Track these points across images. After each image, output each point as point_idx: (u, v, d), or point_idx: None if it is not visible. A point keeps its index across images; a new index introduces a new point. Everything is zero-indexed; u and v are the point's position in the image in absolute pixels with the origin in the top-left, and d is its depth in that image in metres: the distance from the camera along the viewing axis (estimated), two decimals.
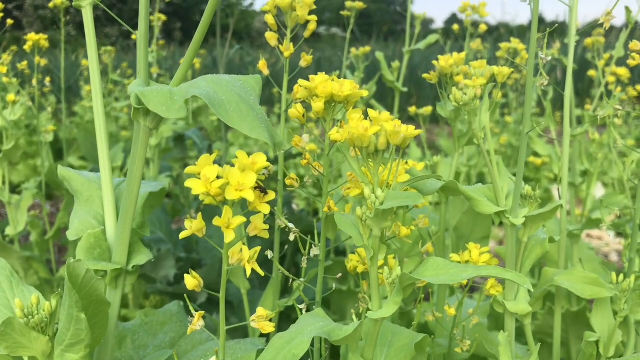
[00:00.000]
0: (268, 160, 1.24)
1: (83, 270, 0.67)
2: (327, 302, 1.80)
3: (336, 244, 1.86)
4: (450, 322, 0.91)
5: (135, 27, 0.84)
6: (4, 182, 2.03)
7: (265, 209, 0.58)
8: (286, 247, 1.02)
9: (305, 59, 0.94)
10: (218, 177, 0.57)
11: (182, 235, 0.59)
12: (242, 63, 8.26)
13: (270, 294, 1.04)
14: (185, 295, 0.70)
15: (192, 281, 0.61)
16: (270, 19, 0.91)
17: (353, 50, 1.95)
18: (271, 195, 0.59)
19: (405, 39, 1.85)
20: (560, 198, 0.97)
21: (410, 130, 0.62)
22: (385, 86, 1.76)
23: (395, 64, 1.78)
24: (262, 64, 0.94)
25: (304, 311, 0.82)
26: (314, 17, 0.91)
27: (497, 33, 10.46)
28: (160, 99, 0.66)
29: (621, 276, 0.88)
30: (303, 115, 0.77)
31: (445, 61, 0.96)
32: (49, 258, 2.39)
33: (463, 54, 0.98)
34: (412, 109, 1.80)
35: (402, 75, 1.78)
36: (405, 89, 1.77)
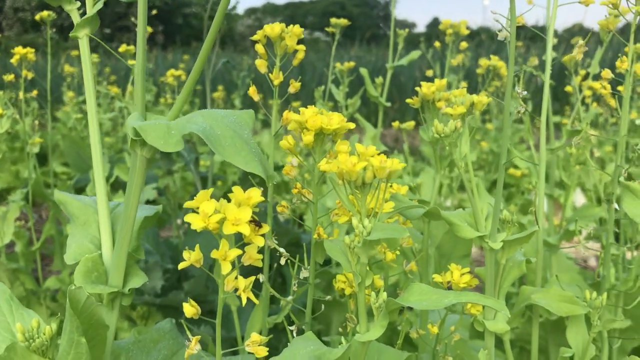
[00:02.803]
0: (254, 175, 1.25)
1: (84, 296, 0.70)
2: (312, 312, 1.84)
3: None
4: (433, 337, 0.95)
5: (117, 30, 0.87)
6: None
7: (260, 242, 0.62)
8: (275, 265, 1.05)
9: (294, 86, 0.98)
10: (216, 212, 0.60)
11: (181, 266, 0.62)
12: (226, 69, 8.27)
13: (259, 312, 1.08)
14: (176, 313, 0.73)
15: (190, 309, 0.64)
16: (260, 48, 0.95)
17: (338, 65, 1.99)
18: (265, 229, 0.62)
19: (389, 48, 1.89)
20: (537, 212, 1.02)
21: (395, 164, 0.66)
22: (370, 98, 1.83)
23: (379, 79, 1.82)
24: (252, 91, 0.98)
25: (294, 332, 0.85)
26: (302, 47, 0.95)
27: (479, 38, 10.60)
28: (158, 134, 0.69)
29: (594, 294, 0.93)
30: (294, 146, 0.81)
31: (427, 88, 1.00)
32: (34, 267, 2.40)
33: (444, 81, 1.02)
34: (396, 124, 1.84)
35: (385, 91, 1.83)
36: (388, 104, 1.82)
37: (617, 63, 0.94)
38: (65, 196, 0.91)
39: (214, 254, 0.60)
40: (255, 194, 0.61)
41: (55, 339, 0.76)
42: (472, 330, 1.45)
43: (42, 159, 4.09)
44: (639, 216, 0.76)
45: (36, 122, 2.12)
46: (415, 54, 1.81)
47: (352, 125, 0.77)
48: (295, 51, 0.96)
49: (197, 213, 0.61)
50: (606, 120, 3.35)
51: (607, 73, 0.96)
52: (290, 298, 0.99)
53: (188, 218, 0.60)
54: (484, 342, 1.30)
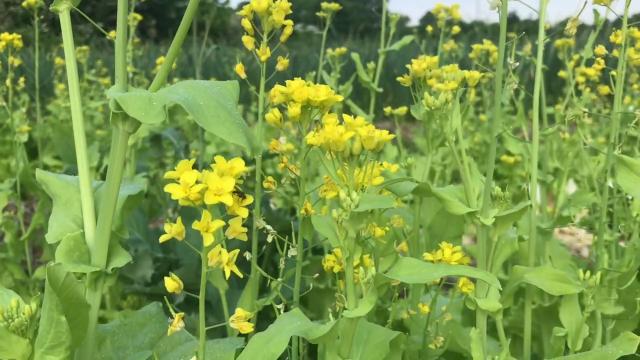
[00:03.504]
0: (245, 160, 1.23)
1: (63, 273, 0.68)
2: (305, 300, 1.82)
3: (314, 244, 1.88)
4: (424, 319, 0.93)
5: (109, 24, 0.85)
6: None
7: (244, 213, 0.60)
8: (264, 247, 1.04)
9: (282, 63, 0.96)
10: (197, 182, 0.58)
11: (162, 239, 0.60)
12: (219, 61, 8.23)
13: (248, 294, 1.06)
14: (165, 297, 0.71)
15: (172, 284, 0.62)
16: (246, 23, 0.93)
17: (329, 50, 1.97)
18: (249, 200, 0.60)
19: (381, 40, 1.87)
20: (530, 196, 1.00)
21: (383, 135, 0.64)
22: (361, 84, 1.80)
23: (371, 64, 1.80)
24: (239, 68, 0.96)
25: (281, 311, 0.84)
26: (289, 22, 0.93)
27: (472, 31, 10.57)
28: (139, 105, 0.67)
29: (588, 273, 0.91)
30: (280, 120, 0.79)
31: (418, 65, 0.98)
32: (24, 259, 2.37)
33: (436, 58, 1.00)
34: (388, 109, 1.82)
35: (377, 76, 1.81)
36: (380, 90, 1.80)
37: (612, 37, 0.93)
38: (47, 175, 0.89)
39: (195, 225, 0.58)
40: (238, 164, 0.59)
41: (35, 319, 0.74)
42: (465, 317, 1.44)
43: (33, 152, 4.05)
44: (632, 190, 0.75)
45: (23, 109, 2.08)
46: (407, 39, 1.79)
47: (340, 98, 0.75)
48: (283, 26, 0.94)
49: (178, 183, 0.58)
50: (599, 111, 3.34)
51: (600, 49, 0.95)
52: (280, 279, 0.97)
53: (168, 188, 0.57)
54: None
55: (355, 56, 1.76)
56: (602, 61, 0.93)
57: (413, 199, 1.30)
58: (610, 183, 0.96)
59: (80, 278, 0.81)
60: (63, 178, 0.89)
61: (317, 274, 0.88)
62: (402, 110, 1.78)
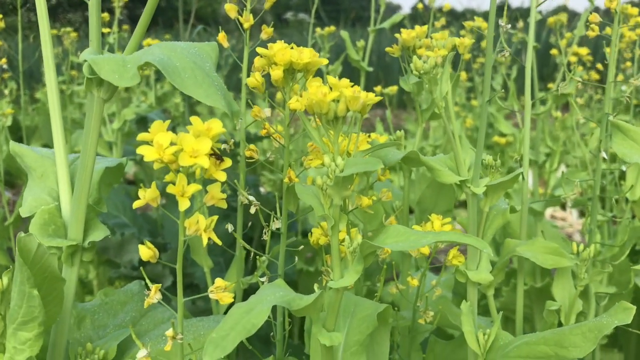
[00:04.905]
0: (235, 143, 1.18)
1: (35, 244, 0.65)
2: (295, 283, 1.79)
3: (304, 227, 1.85)
4: (414, 296, 0.91)
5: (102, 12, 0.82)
6: None
7: (222, 177, 0.56)
8: (250, 224, 1.01)
9: (266, 32, 0.93)
10: (172, 144, 0.55)
11: (136, 204, 0.57)
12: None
13: (234, 272, 1.03)
14: (143, 272, 0.68)
15: (146, 251, 0.59)
16: None
17: (318, 30, 1.93)
18: (227, 163, 0.57)
19: (370, 20, 1.84)
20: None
21: (369, 96, 0.61)
22: (354, 69, 1.76)
23: (360, 43, 1.77)
24: (222, 37, 0.93)
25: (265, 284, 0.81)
26: None
27: (464, 18, 10.53)
28: (112, 67, 0.64)
29: (581, 246, 0.89)
30: (262, 84, 0.75)
31: (407, 34, 0.95)
32: (10, 246, 2.33)
33: (425, 27, 0.97)
34: (378, 88, 1.79)
35: (367, 55, 1.77)
36: (370, 69, 1.76)
37: (606, 2, 0.90)
38: (22, 148, 0.86)
39: (170, 189, 0.55)
40: (216, 125, 0.56)
41: (7, 293, 0.71)
42: (457, 297, 1.42)
43: (19, 140, 3.98)
44: (628, 155, 0.72)
45: (6, 91, 2.04)
46: (397, 17, 1.76)
47: (325, 61, 0.72)
48: None
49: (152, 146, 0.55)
50: (591, 97, 3.33)
51: (594, 17, 0.92)
52: (267, 255, 0.94)
53: (140, 150, 0.54)
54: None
55: (344, 34, 1.72)
56: (596, 28, 0.90)
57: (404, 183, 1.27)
58: (604, 154, 0.93)
59: (57, 254, 0.78)
60: (38, 151, 0.86)
61: (306, 256, 0.85)
62: (392, 89, 1.75)
